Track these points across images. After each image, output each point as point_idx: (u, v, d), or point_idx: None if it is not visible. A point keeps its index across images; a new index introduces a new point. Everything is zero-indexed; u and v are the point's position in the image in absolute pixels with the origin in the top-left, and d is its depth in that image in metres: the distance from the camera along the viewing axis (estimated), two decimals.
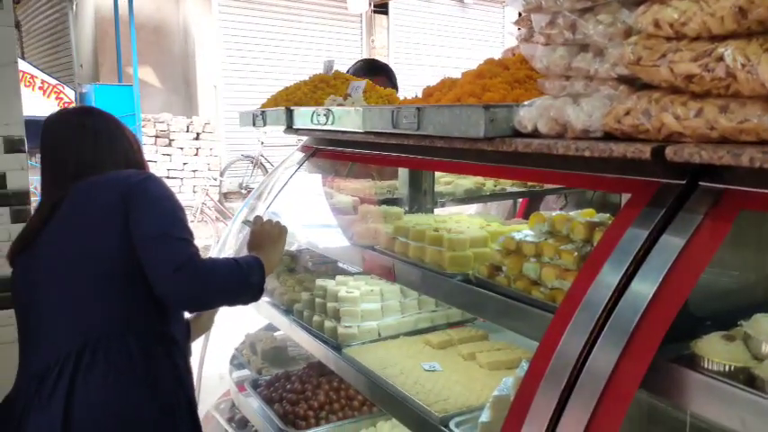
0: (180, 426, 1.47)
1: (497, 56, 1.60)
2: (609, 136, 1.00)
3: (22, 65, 6.54)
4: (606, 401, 0.92)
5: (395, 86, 2.97)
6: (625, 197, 1.11)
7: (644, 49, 0.93)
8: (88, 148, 1.55)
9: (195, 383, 2.43)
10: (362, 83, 2.03)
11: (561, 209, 2.73)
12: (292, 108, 1.98)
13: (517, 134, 1.15)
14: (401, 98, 2.14)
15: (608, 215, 1.26)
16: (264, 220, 1.75)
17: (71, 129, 1.59)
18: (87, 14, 7.82)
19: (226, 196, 8.34)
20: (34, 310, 1.48)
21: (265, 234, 1.67)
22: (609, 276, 0.98)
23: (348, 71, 2.92)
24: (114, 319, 1.41)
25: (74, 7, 8.11)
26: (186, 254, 1.37)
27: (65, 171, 1.53)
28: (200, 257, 1.40)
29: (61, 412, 1.32)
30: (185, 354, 1.59)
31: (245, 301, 1.54)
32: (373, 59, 2.67)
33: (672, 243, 0.94)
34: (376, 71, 2.94)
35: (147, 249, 1.39)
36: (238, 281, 1.45)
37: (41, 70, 7.17)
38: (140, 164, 1.65)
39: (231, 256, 2.17)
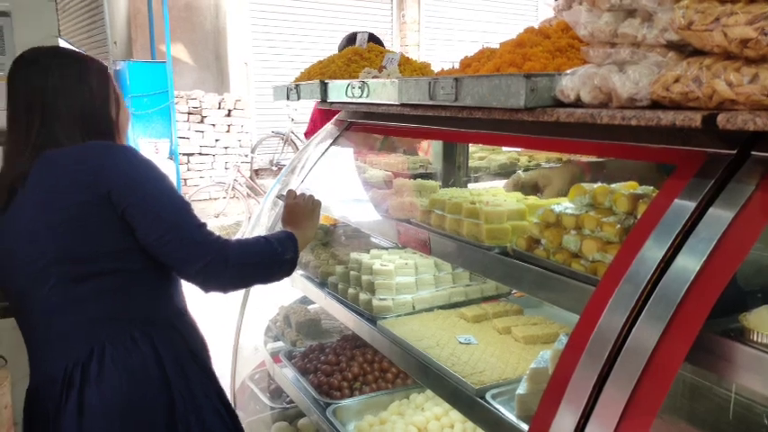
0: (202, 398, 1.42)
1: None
2: (656, 105, 0.97)
3: (60, 42, 6.63)
4: (649, 376, 0.91)
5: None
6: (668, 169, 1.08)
7: (696, 12, 0.89)
8: (37, 106, 1.34)
9: (231, 354, 2.49)
10: (397, 55, 2.01)
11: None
12: (327, 81, 1.97)
13: (559, 104, 1.13)
14: (436, 71, 2.12)
15: (651, 188, 1.23)
16: (298, 194, 1.71)
17: (20, 78, 1.37)
18: None
19: (257, 173, 8.40)
20: (25, 306, 1.37)
21: (299, 208, 1.64)
22: (654, 249, 0.96)
23: (340, 46, 2.90)
24: (115, 319, 1.33)
25: None
26: (212, 245, 1.31)
27: (20, 136, 1.35)
28: (225, 243, 1.33)
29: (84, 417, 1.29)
30: (188, 329, 1.48)
31: (279, 278, 1.49)
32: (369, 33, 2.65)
33: (721, 215, 0.91)
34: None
35: (167, 252, 1.31)
36: (271, 259, 1.41)
37: (77, 47, 7.27)
38: (101, 123, 1.41)
39: (264, 232, 2.16)
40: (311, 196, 1.70)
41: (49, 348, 1.36)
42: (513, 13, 10.24)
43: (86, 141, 1.35)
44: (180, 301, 1.47)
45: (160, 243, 1.29)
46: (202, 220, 1.35)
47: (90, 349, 1.31)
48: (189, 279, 1.34)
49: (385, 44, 3.09)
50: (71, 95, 1.37)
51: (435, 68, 2.14)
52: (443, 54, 9.26)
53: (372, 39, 2.76)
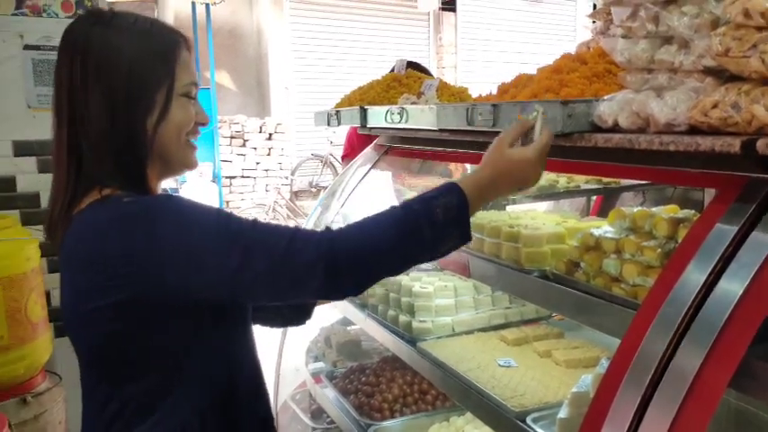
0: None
1: (569, 51, 1.58)
2: (694, 129, 0.98)
3: None
4: (692, 401, 0.90)
5: None
6: (708, 195, 1.08)
7: (732, 39, 0.90)
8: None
9: (274, 374, 2.53)
10: (435, 81, 2.05)
11: (640, 206, 2.65)
12: (366, 107, 2.02)
13: (596, 129, 1.14)
14: (473, 96, 2.15)
15: (692, 212, 1.22)
16: (541, 133, 1.12)
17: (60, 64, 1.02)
18: (167, 20, 8.17)
19: (296, 195, 8.55)
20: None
21: (524, 167, 1.09)
22: (695, 273, 0.96)
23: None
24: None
25: (155, 14, 8.53)
26: (315, 256, 0.96)
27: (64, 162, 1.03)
28: (333, 236, 1.00)
29: None
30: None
31: (438, 256, 1.08)
32: (408, 61, 2.70)
33: (762, 240, 0.91)
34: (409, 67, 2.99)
35: (265, 293, 1.03)
36: (406, 246, 1.02)
37: None
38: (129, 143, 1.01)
39: None
40: (549, 136, 1.11)
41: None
42: (551, 33, 10.24)
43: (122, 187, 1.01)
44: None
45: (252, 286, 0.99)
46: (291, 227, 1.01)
47: None
48: (317, 298, 1.11)
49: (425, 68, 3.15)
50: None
51: (473, 90, 2.17)
52: (480, 75, 9.31)
53: (414, 66, 2.82)
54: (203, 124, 1.11)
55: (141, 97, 1.00)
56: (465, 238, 1.06)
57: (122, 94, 0.99)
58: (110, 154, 1.00)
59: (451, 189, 1.05)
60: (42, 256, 2.37)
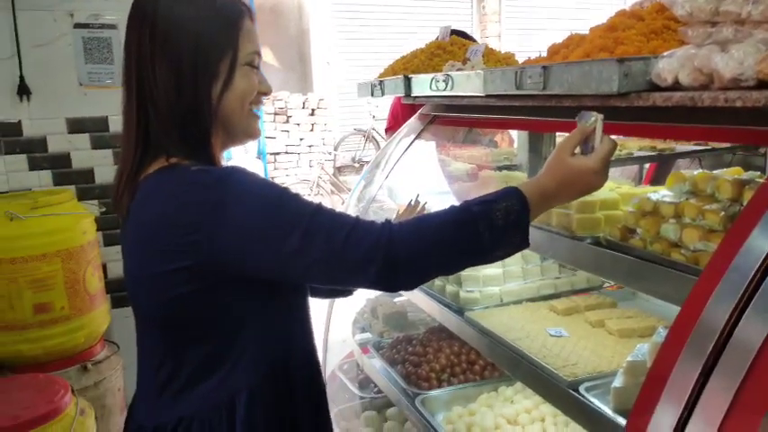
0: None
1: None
2: (763, 84, 0.92)
3: None
4: (756, 372, 0.86)
5: None
6: None
7: None
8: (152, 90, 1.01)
9: (322, 345, 2.57)
10: (481, 46, 2.00)
11: None
12: (410, 76, 1.99)
13: (655, 88, 1.09)
14: (520, 62, 2.09)
15: (758, 173, 1.16)
16: (601, 141, 1.09)
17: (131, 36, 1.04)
18: None
19: (340, 170, 8.58)
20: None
21: (581, 179, 1.07)
22: (761, 238, 0.91)
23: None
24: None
25: None
26: (374, 249, 0.97)
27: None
28: (393, 230, 0.99)
29: None
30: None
31: (493, 260, 1.07)
32: (452, 29, 2.63)
33: None
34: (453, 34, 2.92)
35: (323, 276, 1.02)
36: (461, 249, 1.02)
37: None
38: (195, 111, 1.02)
39: None
40: (611, 145, 1.10)
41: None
42: (599, 1, 9.85)
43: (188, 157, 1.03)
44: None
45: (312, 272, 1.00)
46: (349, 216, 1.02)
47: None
48: (373, 288, 1.06)
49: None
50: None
51: (518, 59, 2.11)
52: (525, 44, 9.06)
53: (459, 33, 2.76)
54: (266, 93, 1.12)
55: (207, 67, 1.01)
56: (524, 243, 1.05)
57: (189, 65, 1.00)
58: (176, 125, 1.01)
59: (513, 193, 1.04)
60: (98, 229, 2.45)
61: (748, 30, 0.97)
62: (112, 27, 2.28)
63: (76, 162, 2.52)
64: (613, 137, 1.14)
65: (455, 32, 3.01)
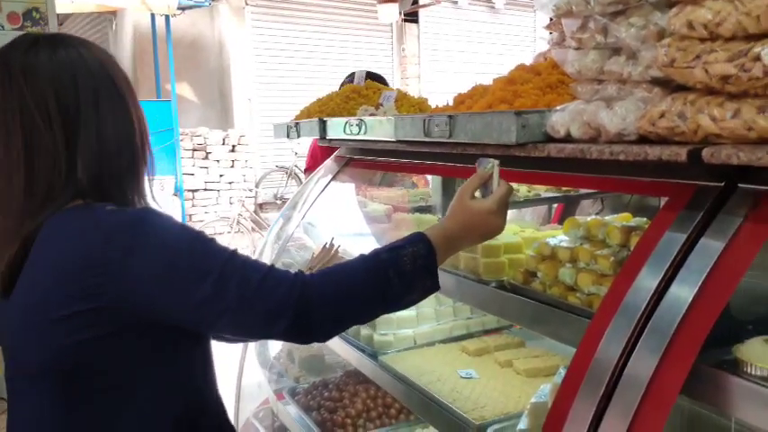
0: None
1: (529, 60, 1.59)
2: (643, 139, 1.00)
3: None
4: (646, 407, 0.91)
5: None
6: (663, 199, 1.10)
7: (677, 50, 0.92)
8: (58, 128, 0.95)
9: (234, 394, 2.48)
10: (393, 92, 2.05)
11: (597, 213, 2.70)
12: (325, 119, 2.01)
13: (550, 139, 1.15)
14: (433, 105, 2.16)
15: (645, 219, 1.24)
16: (498, 184, 1.14)
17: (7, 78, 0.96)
18: (126, 33, 8.07)
19: (261, 207, 8.45)
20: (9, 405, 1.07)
21: (485, 218, 1.10)
22: (647, 280, 0.97)
23: (342, 84, 2.96)
24: None
25: (113, 26, 8.37)
26: (286, 293, 0.95)
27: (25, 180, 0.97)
28: (306, 280, 0.98)
29: None
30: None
31: (405, 305, 1.09)
32: (367, 72, 2.72)
33: (711, 246, 0.92)
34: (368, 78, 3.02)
35: (232, 325, 0.99)
36: (374, 300, 1.02)
37: None
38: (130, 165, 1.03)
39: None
40: (507, 188, 1.14)
41: None
42: (512, 44, 10.41)
43: (101, 198, 0.98)
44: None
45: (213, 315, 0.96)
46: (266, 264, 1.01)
47: None
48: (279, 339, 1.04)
49: (386, 77, 3.15)
50: (117, 105, 1.01)
51: (436, 99, 2.17)
52: (443, 85, 9.40)
53: (373, 77, 2.83)
54: None
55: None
56: (434, 287, 1.07)
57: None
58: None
59: (420, 239, 1.06)
60: None
61: (629, 88, 1.05)
62: None
63: None
64: (513, 183, 1.19)
65: (370, 75, 3.08)
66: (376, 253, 1.04)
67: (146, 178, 1.09)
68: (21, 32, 2.21)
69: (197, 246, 0.96)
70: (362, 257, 1.04)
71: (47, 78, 0.96)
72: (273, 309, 0.95)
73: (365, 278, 1.01)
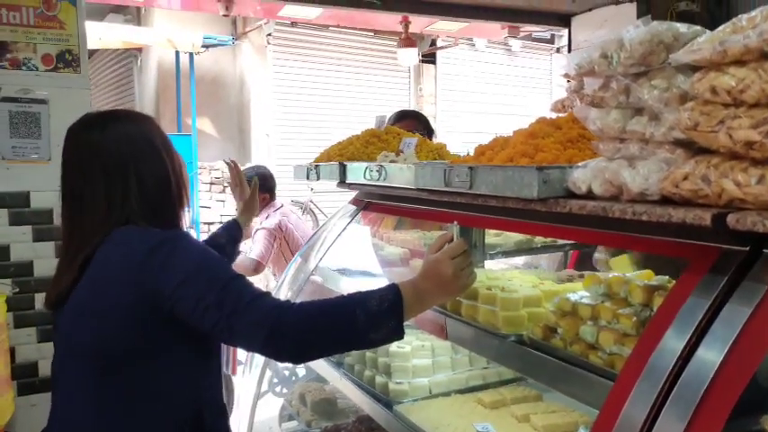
0: None
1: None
2: (666, 200, 0.99)
3: None
4: None
5: (427, 128, 3.06)
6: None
7: (701, 114, 0.92)
8: (118, 174, 1.30)
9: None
10: (414, 139, 2.07)
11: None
12: (345, 163, 2.03)
13: (571, 195, 1.15)
14: (451, 150, 2.18)
15: (667, 278, 1.23)
16: (454, 242, 1.31)
17: (73, 148, 1.34)
18: (151, 68, 8.27)
19: None
20: (54, 385, 1.35)
21: (441, 265, 1.25)
22: (672, 344, 0.95)
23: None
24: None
25: (138, 62, 8.60)
26: (269, 314, 1.17)
27: (94, 215, 1.30)
28: (286, 307, 1.18)
29: None
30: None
31: (371, 344, 1.28)
32: (403, 110, 2.79)
33: (737, 312, 0.91)
34: (404, 116, 3.08)
35: (225, 332, 1.19)
36: (343, 337, 1.19)
37: None
38: (176, 200, 1.38)
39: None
40: (465, 256, 1.28)
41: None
42: (527, 86, 10.50)
43: (153, 223, 1.30)
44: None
45: (204, 322, 1.20)
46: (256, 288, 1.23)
47: None
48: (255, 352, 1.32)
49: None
50: (151, 161, 1.34)
51: (451, 139, 2.19)
52: (459, 125, 9.48)
53: (411, 115, 2.88)
54: None
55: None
56: (398, 330, 1.20)
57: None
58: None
59: (390, 287, 1.23)
60: (8, 310, 2.30)
61: (652, 149, 1.05)
62: (42, 102, 2.24)
63: None
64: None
65: (407, 114, 3.14)
66: (350, 294, 1.24)
67: (184, 210, 1.42)
68: (54, 73, 2.29)
69: (212, 264, 1.24)
70: (339, 296, 1.23)
71: (99, 150, 1.31)
72: (255, 321, 1.16)
73: (335, 311, 1.19)
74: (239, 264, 4.16)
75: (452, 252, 1.27)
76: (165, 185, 1.35)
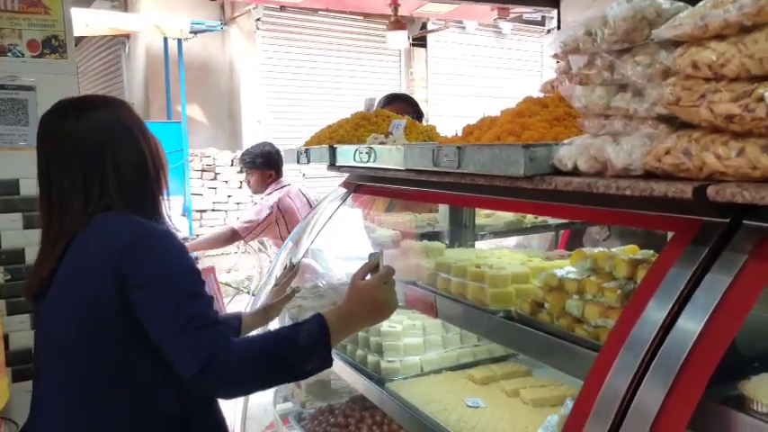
0: None
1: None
2: (649, 174, 1.01)
3: None
4: None
5: (416, 112, 3.07)
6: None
7: (682, 89, 0.94)
8: (65, 172, 1.28)
9: (240, 416, 2.47)
10: (403, 121, 2.08)
11: (604, 240, 2.70)
12: (335, 146, 2.04)
13: (557, 172, 1.17)
14: (441, 132, 2.19)
15: (651, 252, 1.25)
16: (382, 268, 1.37)
17: (48, 138, 1.32)
18: (139, 55, 8.20)
19: None
20: (37, 376, 1.34)
21: (368, 293, 1.32)
22: (654, 314, 0.98)
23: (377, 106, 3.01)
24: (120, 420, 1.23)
25: (126, 49, 8.51)
26: (209, 346, 1.14)
27: (74, 202, 1.29)
28: (226, 341, 1.17)
29: None
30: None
31: (304, 376, 1.28)
32: (393, 93, 2.78)
33: (717, 282, 0.93)
34: (393, 100, 3.08)
35: (165, 347, 1.19)
36: (280, 370, 1.21)
37: None
38: (154, 183, 1.37)
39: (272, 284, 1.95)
40: (391, 281, 1.36)
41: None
42: (518, 68, 10.49)
43: (133, 209, 1.28)
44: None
45: (158, 335, 1.19)
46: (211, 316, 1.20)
47: None
48: (187, 385, 1.17)
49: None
50: (127, 147, 1.31)
51: (443, 122, 2.20)
52: (450, 108, 9.47)
53: (403, 99, 2.87)
54: None
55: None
56: (326, 360, 1.24)
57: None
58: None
59: (316, 319, 1.26)
60: (1, 298, 2.30)
61: (635, 124, 1.07)
62: (29, 89, 2.23)
63: None
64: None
65: (397, 97, 3.13)
66: (282, 329, 1.31)
67: (164, 195, 1.41)
68: (41, 59, 2.28)
69: (179, 273, 1.21)
70: (273, 331, 1.31)
71: (74, 138, 1.29)
72: (189, 353, 1.14)
73: (265, 348, 1.20)
74: (218, 230, 4.09)
75: (385, 278, 1.34)
76: (143, 171, 1.33)
